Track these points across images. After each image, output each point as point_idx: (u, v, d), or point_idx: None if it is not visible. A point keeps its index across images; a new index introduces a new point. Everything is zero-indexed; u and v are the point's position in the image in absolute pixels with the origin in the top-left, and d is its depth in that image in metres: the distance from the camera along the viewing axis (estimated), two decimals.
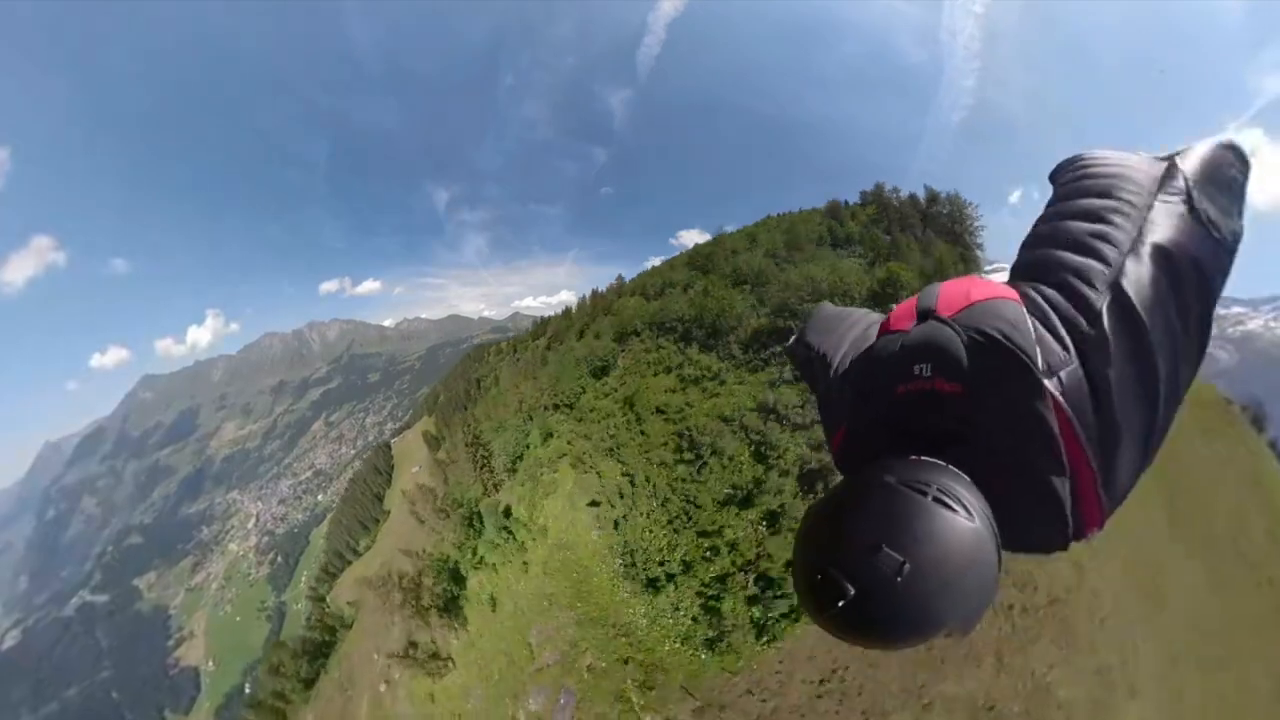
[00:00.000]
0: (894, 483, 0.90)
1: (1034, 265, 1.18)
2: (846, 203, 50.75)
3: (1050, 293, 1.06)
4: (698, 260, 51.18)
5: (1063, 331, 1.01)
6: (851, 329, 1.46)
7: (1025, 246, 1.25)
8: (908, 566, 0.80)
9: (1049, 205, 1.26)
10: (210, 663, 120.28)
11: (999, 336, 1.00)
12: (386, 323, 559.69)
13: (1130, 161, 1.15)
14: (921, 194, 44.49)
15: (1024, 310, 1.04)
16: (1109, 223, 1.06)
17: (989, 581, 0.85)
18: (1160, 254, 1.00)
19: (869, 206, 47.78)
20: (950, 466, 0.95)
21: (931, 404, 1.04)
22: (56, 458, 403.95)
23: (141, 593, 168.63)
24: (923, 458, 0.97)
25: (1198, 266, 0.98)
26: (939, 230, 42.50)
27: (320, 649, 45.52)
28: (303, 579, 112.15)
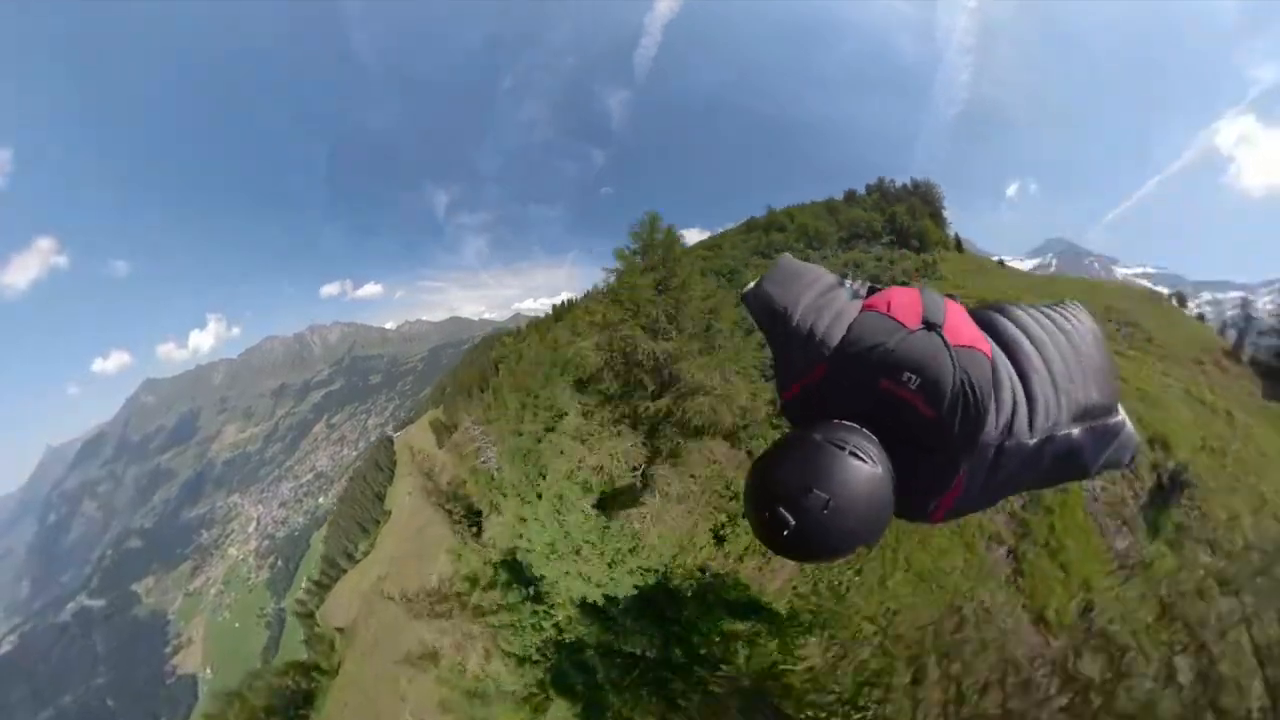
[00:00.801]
0: (821, 440, 1.15)
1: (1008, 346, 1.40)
2: (855, 192, 58.55)
3: (1013, 379, 1.29)
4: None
5: (1004, 412, 1.24)
6: (811, 286, 1.53)
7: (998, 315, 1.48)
8: (831, 502, 1.08)
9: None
10: (208, 670, 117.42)
11: (979, 395, 1.21)
12: (388, 325, 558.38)
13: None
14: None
15: (989, 371, 1.25)
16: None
17: (888, 512, 1.15)
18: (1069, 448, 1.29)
19: (873, 194, 56.81)
20: (863, 429, 1.19)
21: (902, 411, 1.23)
22: (59, 462, 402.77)
23: (140, 597, 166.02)
24: (843, 421, 1.21)
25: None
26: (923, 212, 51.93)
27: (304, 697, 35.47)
28: (302, 584, 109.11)
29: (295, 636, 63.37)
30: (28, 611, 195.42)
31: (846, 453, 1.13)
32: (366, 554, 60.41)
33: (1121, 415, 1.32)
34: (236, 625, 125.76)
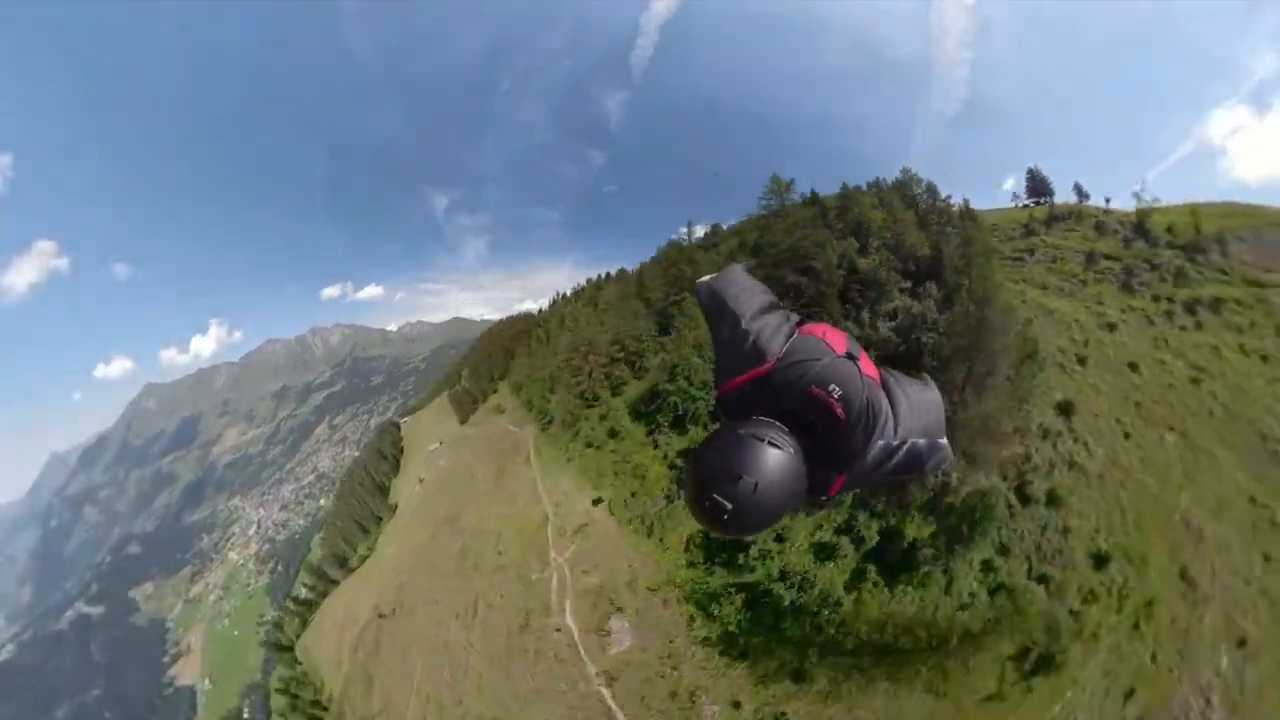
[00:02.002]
0: (746, 434, 1.53)
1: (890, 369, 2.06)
2: (857, 187, 53.72)
3: (889, 404, 1.83)
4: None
5: (882, 423, 1.77)
6: (756, 298, 1.96)
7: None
8: (758, 485, 1.42)
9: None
10: (207, 681, 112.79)
11: (874, 411, 1.73)
12: (389, 327, 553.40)
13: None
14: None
15: (881, 396, 1.80)
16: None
17: (802, 487, 1.55)
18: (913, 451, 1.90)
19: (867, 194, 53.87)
20: (778, 424, 1.61)
21: (821, 412, 1.66)
22: (61, 469, 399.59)
23: (138, 604, 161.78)
24: (763, 418, 1.62)
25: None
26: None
27: None
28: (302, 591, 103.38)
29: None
30: (29, 619, 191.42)
31: (766, 443, 1.49)
32: (365, 558, 53.02)
33: (945, 440, 1.96)
34: (236, 633, 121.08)
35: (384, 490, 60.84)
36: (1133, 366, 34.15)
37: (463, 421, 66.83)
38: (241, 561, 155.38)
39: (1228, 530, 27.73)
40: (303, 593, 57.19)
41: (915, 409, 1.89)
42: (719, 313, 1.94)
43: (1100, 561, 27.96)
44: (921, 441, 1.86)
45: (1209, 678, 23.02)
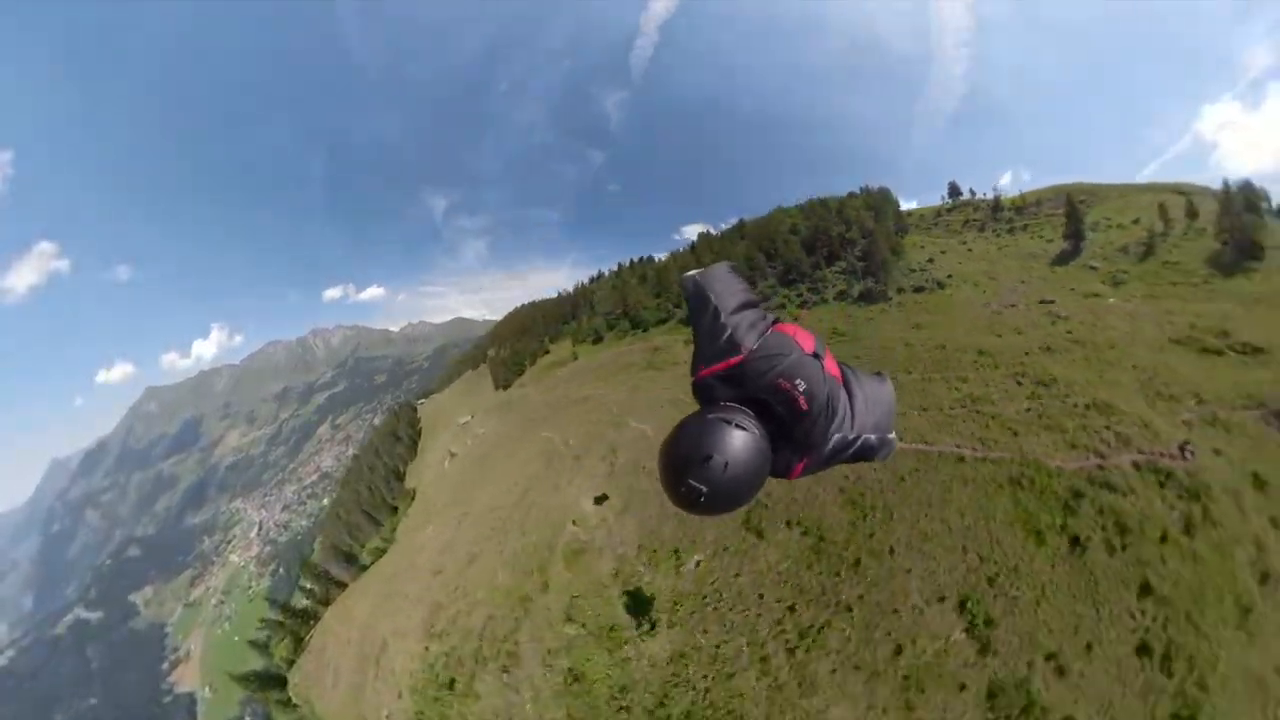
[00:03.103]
0: (715, 418, 1.65)
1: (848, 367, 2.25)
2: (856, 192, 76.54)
3: (847, 400, 2.04)
4: None
5: (841, 416, 1.96)
6: (737, 296, 2.07)
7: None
8: (728, 464, 1.55)
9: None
10: (207, 689, 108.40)
11: (834, 406, 1.92)
12: (391, 328, 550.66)
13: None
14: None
15: (840, 393, 1.99)
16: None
17: (767, 468, 1.67)
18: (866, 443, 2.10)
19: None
20: (746, 409, 1.75)
21: (786, 401, 1.81)
22: (63, 474, 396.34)
23: (138, 608, 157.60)
24: (732, 404, 1.77)
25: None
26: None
27: None
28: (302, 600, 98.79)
29: None
30: (30, 624, 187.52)
31: (733, 426, 1.63)
32: (381, 552, 46.84)
33: (893, 435, 2.21)
34: (236, 638, 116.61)
35: (399, 476, 54.64)
36: (980, 260, 57.28)
37: (504, 387, 64.82)
38: (242, 563, 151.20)
39: None
40: (301, 602, 47.43)
41: (870, 406, 2.10)
42: (701, 305, 2.03)
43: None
44: (873, 436, 2.07)
45: None
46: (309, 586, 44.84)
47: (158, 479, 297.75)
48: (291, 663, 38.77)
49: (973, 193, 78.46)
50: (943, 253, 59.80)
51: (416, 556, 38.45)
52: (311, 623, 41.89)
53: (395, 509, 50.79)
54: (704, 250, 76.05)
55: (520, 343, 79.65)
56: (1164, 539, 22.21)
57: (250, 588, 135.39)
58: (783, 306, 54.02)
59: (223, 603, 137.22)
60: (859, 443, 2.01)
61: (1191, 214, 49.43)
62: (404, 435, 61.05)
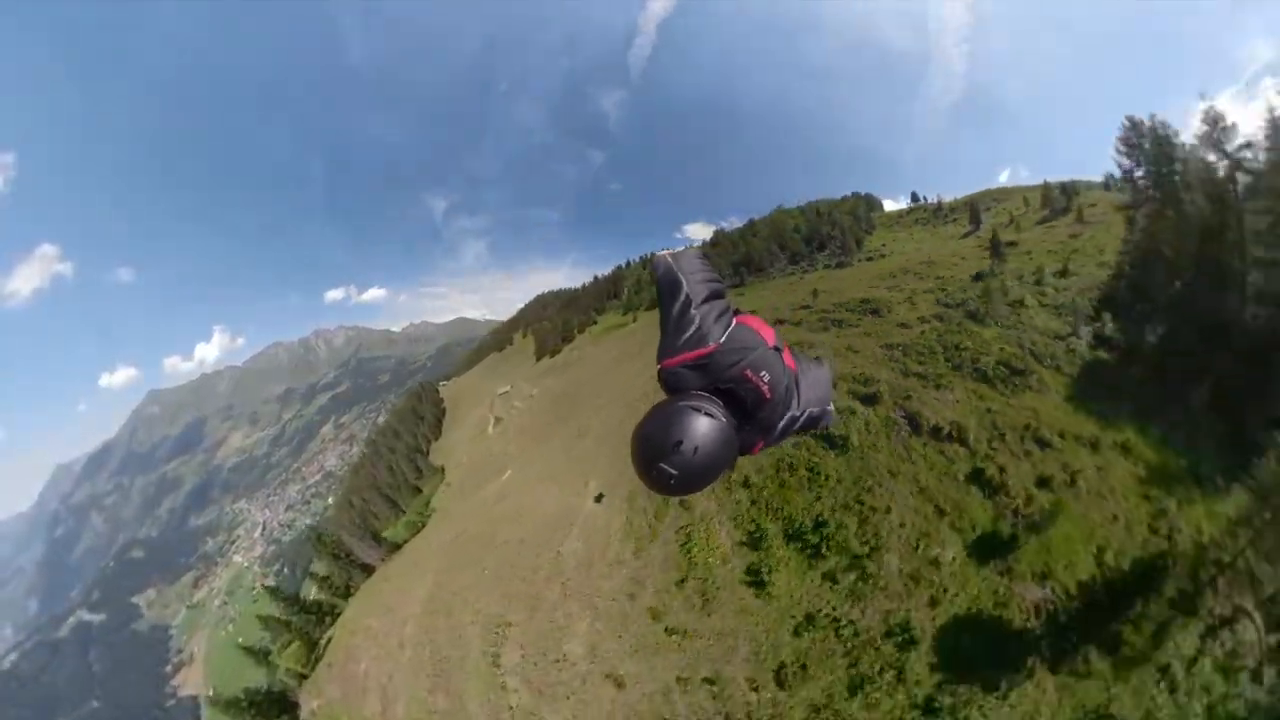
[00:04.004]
0: (685, 406, 1.73)
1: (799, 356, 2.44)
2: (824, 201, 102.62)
3: (797, 381, 2.23)
4: None
5: (793, 397, 2.16)
6: (707, 285, 2.17)
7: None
8: (698, 449, 1.62)
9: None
10: (211, 692, 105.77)
11: (791, 393, 2.11)
12: (393, 328, 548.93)
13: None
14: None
15: (793, 377, 2.17)
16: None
17: (734, 449, 1.77)
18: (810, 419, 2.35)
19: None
20: (713, 397, 1.86)
21: (753, 391, 1.94)
22: (67, 478, 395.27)
23: (141, 610, 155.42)
24: (700, 392, 1.87)
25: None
26: None
27: None
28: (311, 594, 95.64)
29: None
30: (34, 628, 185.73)
31: (703, 413, 1.70)
32: (419, 525, 41.64)
33: (831, 406, 2.49)
34: (241, 639, 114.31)
35: (424, 453, 50.98)
36: (915, 243, 74.64)
37: (552, 354, 67.79)
38: (246, 564, 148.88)
39: None
40: (313, 593, 41.56)
41: (813, 384, 2.34)
42: (672, 291, 2.09)
43: None
44: (816, 409, 2.33)
45: None
46: (324, 574, 39.67)
47: (161, 481, 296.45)
48: (303, 677, 32.80)
49: (926, 199, 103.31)
50: (894, 240, 79.94)
51: (483, 526, 33.96)
52: (327, 621, 36.34)
53: (418, 489, 46.92)
54: (723, 248, 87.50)
55: (564, 315, 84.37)
56: None
57: (254, 588, 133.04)
58: (791, 275, 76.42)
59: (226, 603, 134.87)
60: (805, 416, 2.24)
61: (1045, 203, 67.18)
62: (427, 414, 58.16)
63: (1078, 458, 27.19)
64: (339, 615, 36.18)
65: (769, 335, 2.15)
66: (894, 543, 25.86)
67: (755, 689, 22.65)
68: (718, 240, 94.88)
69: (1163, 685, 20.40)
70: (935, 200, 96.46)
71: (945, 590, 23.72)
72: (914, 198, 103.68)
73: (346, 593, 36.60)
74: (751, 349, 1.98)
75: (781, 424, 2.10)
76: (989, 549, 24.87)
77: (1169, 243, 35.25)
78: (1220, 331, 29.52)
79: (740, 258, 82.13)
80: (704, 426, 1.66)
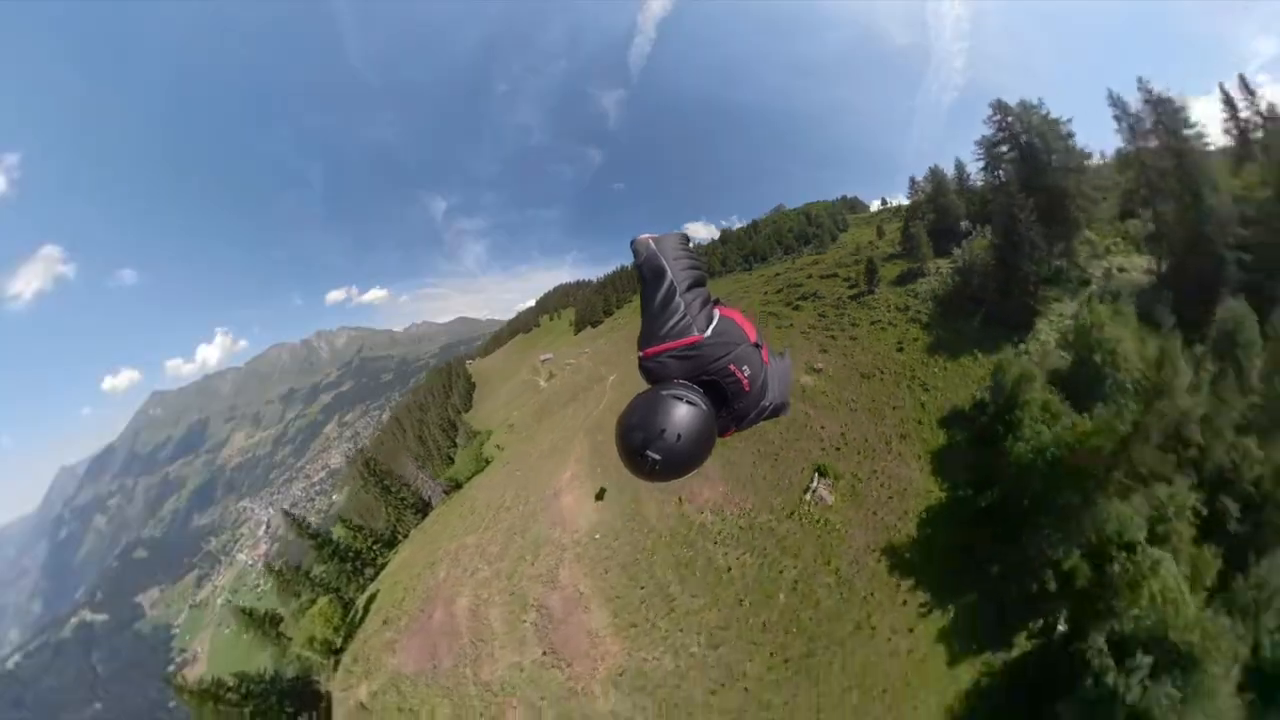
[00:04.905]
0: (665, 394, 1.82)
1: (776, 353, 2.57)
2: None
3: (767, 374, 2.29)
4: None
5: (765, 389, 2.23)
6: (690, 272, 2.19)
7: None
8: (681, 436, 1.71)
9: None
10: None
11: (766, 385, 2.21)
12: (395, 328, 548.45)
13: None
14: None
15: (767, 372, 2.25)
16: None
17: (714, 436, 1.86)
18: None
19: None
20: (693, 385, 1.95)
21: (735, 383, 2.05)
22: (71, 481, 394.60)
23: (144, 610, 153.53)
24: (682, 382, 1.95)
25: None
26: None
27: None
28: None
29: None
30: (38, 629, 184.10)
31: (684, 401, 1.79)
32: (474, 472, 38.31)
33: (789, 398, 2.54)
34: (245, 637, 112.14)
35: (451, 425, 50.07)
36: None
37: (594, 324, 75.33)
38: (250, 562, 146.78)
39: None
40: (318, 591, 36.73)
41: (779, 378, 2.42)
42: (656, 278, 2.10)
43: None
44: (780, 400, 2.40)
45: None
46: (358, 548, 32.39)
47: (164, 482, 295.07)
48: (334, 652, 24.35)
49: (890, 201, 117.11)
50: (860, 231, 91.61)
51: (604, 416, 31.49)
52: (368, 574, 29.16)
53: (452, 459, 45.17)
54: (732, 244, 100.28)
55: (601, 294, 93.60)
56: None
57: (257, 586, 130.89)
58: (794, 260, 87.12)
59: (230, 602, 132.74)
60: (770, 407, 2.31)
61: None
62: (457, 388, 58.40)
63: None
64: (383, 568, 30.89)
65: (750, 331, 2.25)
66: None
67: None
68: (726, 238, 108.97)
69: None
70: (896, 201, 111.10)
71: None
72: (883, 201, 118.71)
73: (392, 542, 31.46)
74: (736, 344, 2.06)
75: (753, 413, 2.20)
76: None
77: None
78: None
79: (748, 251, 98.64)
80: (687, 415, 1.76)
